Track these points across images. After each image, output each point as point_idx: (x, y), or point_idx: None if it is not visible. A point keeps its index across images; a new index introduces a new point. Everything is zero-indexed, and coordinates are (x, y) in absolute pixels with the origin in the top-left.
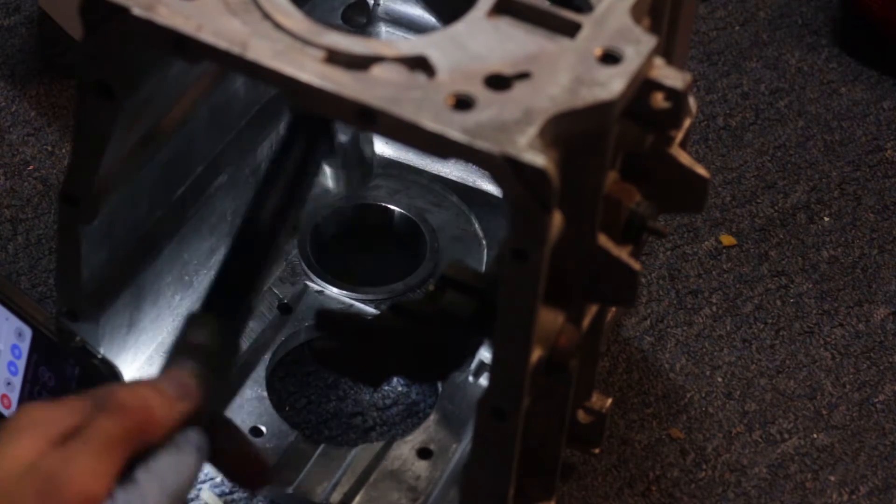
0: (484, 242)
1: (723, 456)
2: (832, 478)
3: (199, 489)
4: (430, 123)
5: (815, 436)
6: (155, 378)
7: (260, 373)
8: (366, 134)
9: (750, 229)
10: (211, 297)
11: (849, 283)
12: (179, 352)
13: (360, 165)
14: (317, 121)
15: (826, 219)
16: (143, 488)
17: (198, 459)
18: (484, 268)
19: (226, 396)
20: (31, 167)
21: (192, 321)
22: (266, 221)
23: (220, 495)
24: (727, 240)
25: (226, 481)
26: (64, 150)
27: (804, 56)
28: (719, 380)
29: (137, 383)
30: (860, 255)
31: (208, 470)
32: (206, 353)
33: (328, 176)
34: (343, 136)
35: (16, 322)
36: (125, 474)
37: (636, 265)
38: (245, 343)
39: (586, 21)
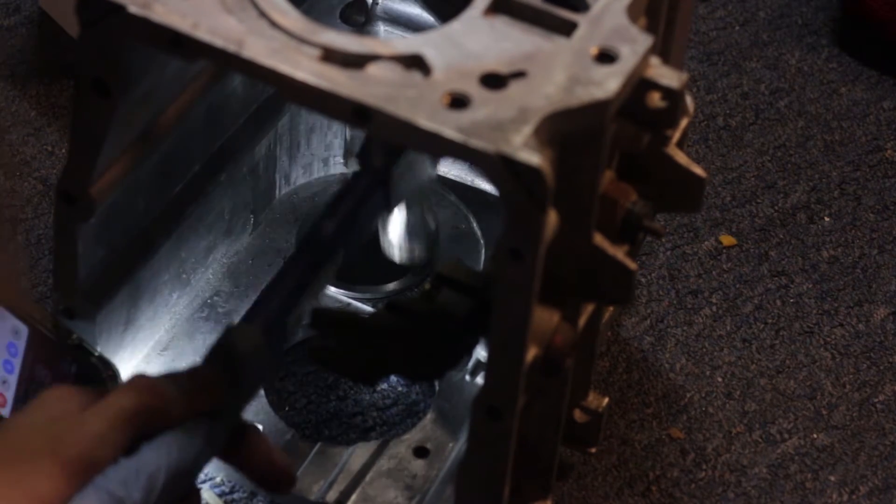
0: (482, 241)
1: (723, 456)
2: (832, 478)
3: (199, 489)
4: (425, 122)
5: (815, 436)
6: (179, 371)
7: None
8: (429, 205)
9: (750, 229)
10: (252, 312)
11: (849, 283)
12: (214, 354)
13: (426, 234)
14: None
15: (826, 219)
16: (143, 458)
17: (205, 445)
18: (482, 267)
19: (245, 404)
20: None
21: (232, 330)
22: (316, 254)
23: (220, 495)
24: (727, 240)
25: (226, 481)
26: (64, 150)
27: (804, 56)
28: (719, 380)
29: (162, 375)
30: (860, 255)
31: (208, 470)
32: (239, 361)
33: (395, 247)
34: (406, 208)
35: (12, 320)
36: (133, 450)
37: (632, 264)
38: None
39: (582, 20)
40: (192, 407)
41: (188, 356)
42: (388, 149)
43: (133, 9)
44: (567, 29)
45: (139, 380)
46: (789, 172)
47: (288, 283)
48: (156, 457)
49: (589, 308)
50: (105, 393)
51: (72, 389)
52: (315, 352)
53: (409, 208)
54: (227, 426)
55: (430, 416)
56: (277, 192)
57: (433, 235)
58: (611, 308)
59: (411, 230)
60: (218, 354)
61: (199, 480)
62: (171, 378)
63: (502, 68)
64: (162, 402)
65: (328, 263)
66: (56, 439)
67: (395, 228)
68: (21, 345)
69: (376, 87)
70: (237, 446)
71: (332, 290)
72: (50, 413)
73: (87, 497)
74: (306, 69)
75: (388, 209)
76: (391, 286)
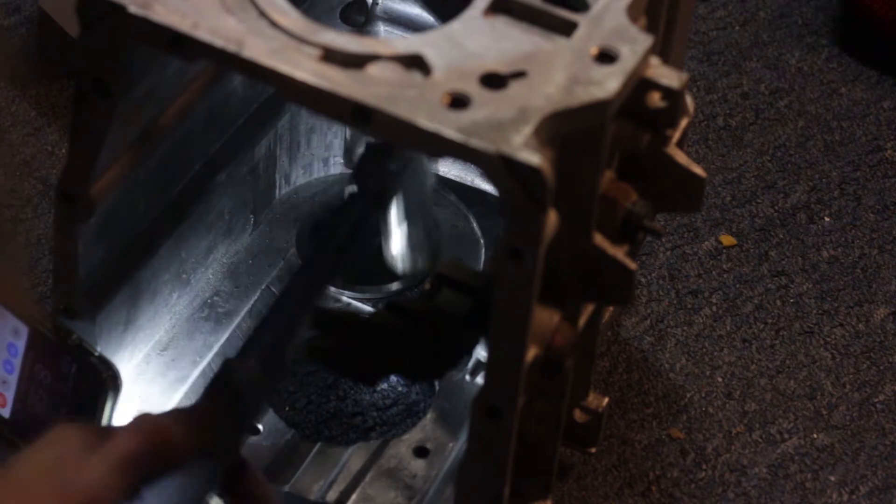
0: (482, 241)
1: (723, 456)
2: (832, 478)
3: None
4: (425, 122)
5: (815, 436)
6: (182, 408)
7: None
8: (430, 215)
9: (750, 229)
10: (248, 345)
11: (849, 283)
12: (213, 388)
13: (428, 244)
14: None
15: (826, 219)
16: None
17: (205, 485)
18: (481, 267)
19: (241, 438)
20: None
21: (230, 363)
22: (313, 284)
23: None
24: (727, 240)
25: None
26: (64, 150)
27: (804, 56)
28: (719, 380)
29: (165, 412)
30: (860, 255)
31: None
32: (236, 395)
33: (397, 258)
34: (407, 220)
35: (12, 320)
36: (135, 494)
37: (632, 264)
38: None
39: (582, 20)
40: (196, 445)
41: (188, 356)
42: (383, 170)
43: (133, 9)
44: (567, 29)
45: (143, 421)
46: (789, 172)
47: (286, 313)
48: (156, 502)
49: (589, 308)
50: (111, 431)
51: (78, 428)
52: (315, 352)
53: (409, 220)
54: (225, 462)
55: (430, 416)
56: (277, 192)
57: (435, 245)
58: (611, 308)
59: (413, 241)
60: (217, 389)
61: None
62: (174, 415)
63: (502, 68)
64: (166, 444)
65: (325, 289)
66: (60, 484)
67: (397, 241)
68: (21, 345)
69: (376, 87)
70: (233, 481)
71: (333, 290)
72: (56, 453)
73: None
74: (306, 69)
75: (386, 232)
76: (391, 286)
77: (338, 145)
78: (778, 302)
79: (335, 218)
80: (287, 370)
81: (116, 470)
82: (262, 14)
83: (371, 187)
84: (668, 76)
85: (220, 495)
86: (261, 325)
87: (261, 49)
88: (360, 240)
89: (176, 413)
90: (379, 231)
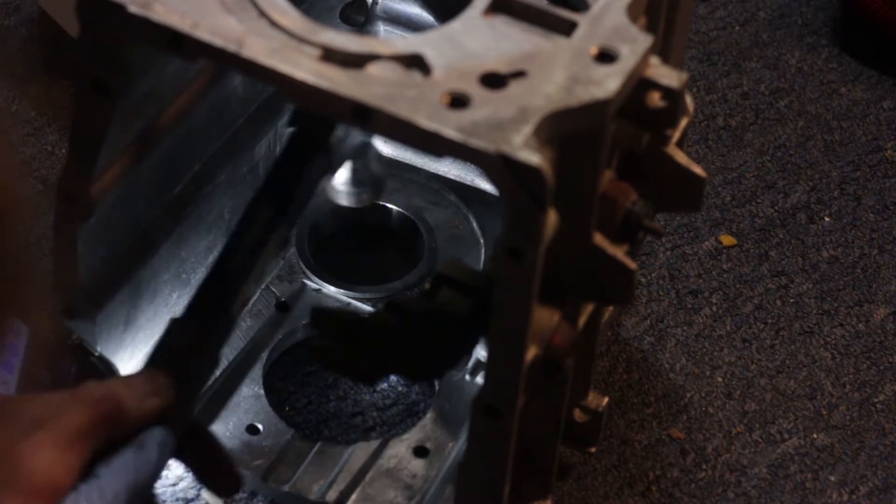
0: (482, 241)
1: (723, 456)
2: (832, 478)
3: (200, 489)
4: (425, 122)
5: (815, 436)
6: (130, 374)
7: (257, 371)
8: (374, 153)
9: (750, 229)
10: (193, 305)
11: (849, 283)
12: (159, 354)
13: (372, 183)
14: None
15: (826, 219)
16: (103, 482)
17: (160, 457)
18: (481, 266)
19: (193, 401)
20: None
21: (174, 326)
22: (255, 233)
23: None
24: (727, 240)
25: None
26: (64, 150)
27: (804, 56)
28: (719, 380)
29: (112, 379)
30: (860, 255)
31: None
32: (184, 357)
33: (340, 194)
34: (351, 157)
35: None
36: (89, 469)
37: (632, 264)
38: (242, 341)
39: (582, 20)
40: (147, 411)
41: None
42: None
43: (133, 8)
44: (567, 28)
45: (91, 389)
46: (789, 172)
47: (230, 268)
48: (114, 481)
49: (589, 308)
50: (59, 402)
51: (27, 401)
52: (315, 352)
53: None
54: (179, 428)
55: (430, 416)
56: None
57: (380, 180)
58: (611, 308)
59: (357, 176)
60: (163, 352)
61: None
62: (123, 382)
63: (502, 68)
64: (117, 413)
65: (271, 241)
66: (12, 472)
67: (340, 175)
68: (21, 345)
69: (376, 86)
70: (189, 445)
71: (333, 290)
72: (6, 434)
73: None
74: (306, 69)
75: (331, 172)
76: (391, 286)
77: None
78: (778, 302)
79: (278, 161)
80: (231, 328)
81: (69, 446)
82: (262, 14)
83: (314, 131)
84: (668, 76)
85: (194, 475)
86: (207, 280)
87: (260, 49)
88: (307, 182)
89: (124, 379)
90: (324, 171)
